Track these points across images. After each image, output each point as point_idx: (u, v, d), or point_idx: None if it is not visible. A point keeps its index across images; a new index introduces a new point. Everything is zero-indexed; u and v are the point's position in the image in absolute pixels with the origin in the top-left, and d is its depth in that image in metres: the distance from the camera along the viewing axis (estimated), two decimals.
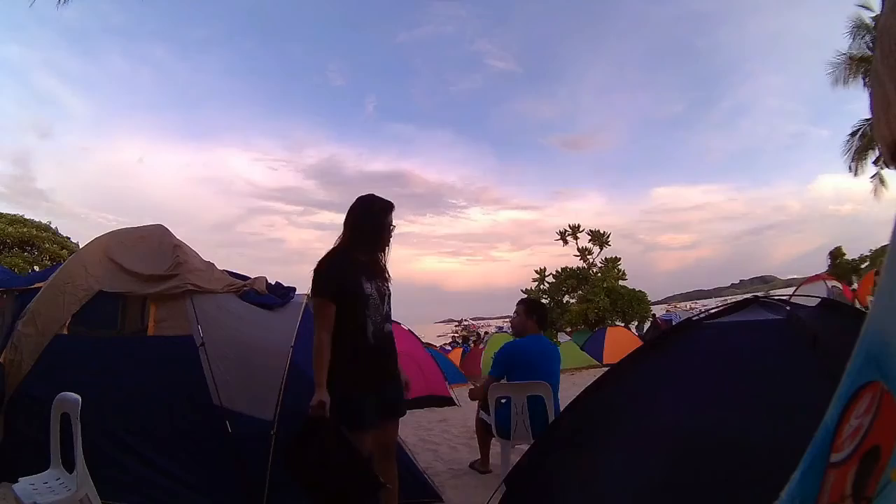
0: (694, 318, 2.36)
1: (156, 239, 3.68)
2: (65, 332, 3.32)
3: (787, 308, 2.09)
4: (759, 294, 3.07)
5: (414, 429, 5.58)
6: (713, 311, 2.42)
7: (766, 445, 1.48)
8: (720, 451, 1.63)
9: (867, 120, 15.47)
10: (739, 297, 2.66)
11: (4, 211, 17.82)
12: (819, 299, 2.21)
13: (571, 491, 2.02)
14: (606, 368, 2.90)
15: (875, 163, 17.57)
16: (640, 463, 1.80)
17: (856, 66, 16.32)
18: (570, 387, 3.56)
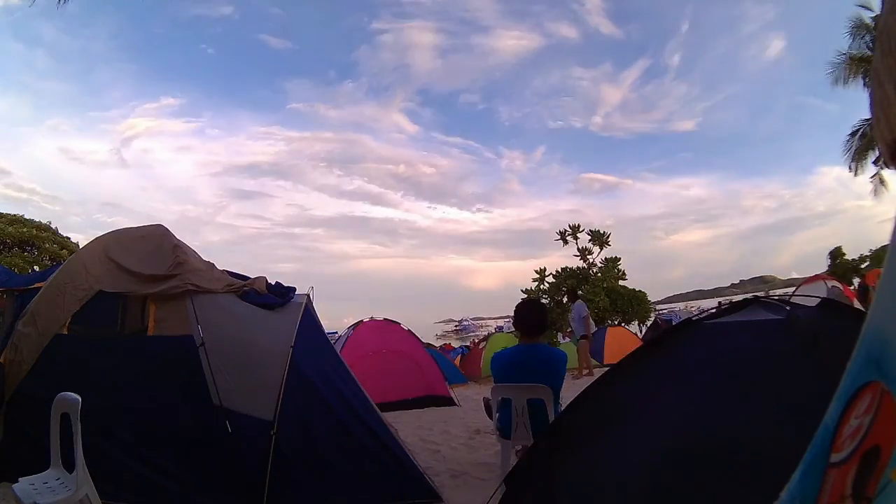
0: (694, 318, 2.36)
1: (156, 239, 3.68)
2: (65, 332, 3.32)
3: (787, 308, 2.10)
4: (759, 294, 3.07)
5: (414, 429, 5.58)
6: (713, 311, 2.42)
7: (766, 445, 1.48)
8: (720, 451, 1.63)
9: (867, 120, 15.47)
10: (739, 297, 2.66)
11: None
12: (819, 299, 2.22)
13: (571, 491, 2.02)
14: (606, 368, 2.90)
15: (875, 163, 17.58)
16: (641, 462, 1.80)
17: (856, 66, 16.33)
18: (571, 387, 3.56)
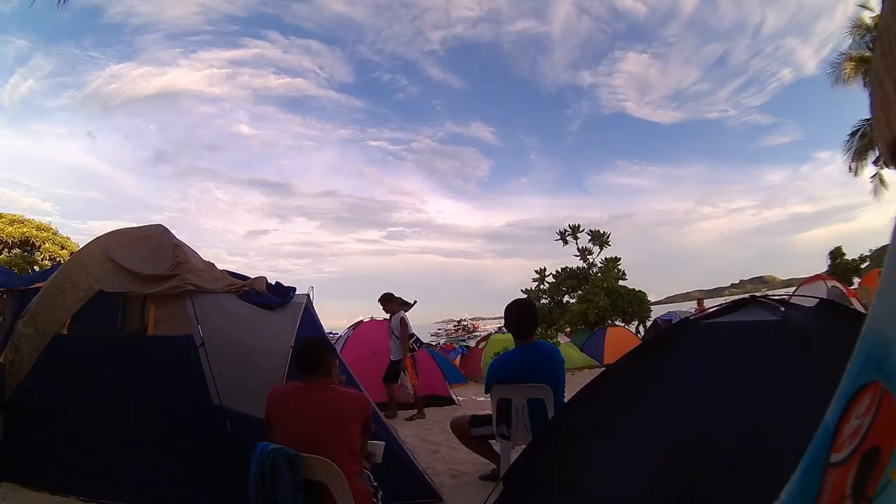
0: (692, 318, 2.36)
1: (155, 239, 3.68)
2: (65, 332, 3.32)
3: (782, 309, 2.10)
4: (756, 294, 3.06)
5: (414, 429, 5.59)
6: (712, 310, 2.42)
7: (765, 445, 1.48)
8: (719, 451, 1.63)
9: (867, 120, 15.47)
10: (739, 297, 2.66)
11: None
12: (818, 299, 2.22)
13: (569, 489, 2.02)
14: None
15: (875, 163, 17.59)
16: (638, 461, 1.81)
17: (856, 66, 16.34)
18: (570, 387, 3.56)
